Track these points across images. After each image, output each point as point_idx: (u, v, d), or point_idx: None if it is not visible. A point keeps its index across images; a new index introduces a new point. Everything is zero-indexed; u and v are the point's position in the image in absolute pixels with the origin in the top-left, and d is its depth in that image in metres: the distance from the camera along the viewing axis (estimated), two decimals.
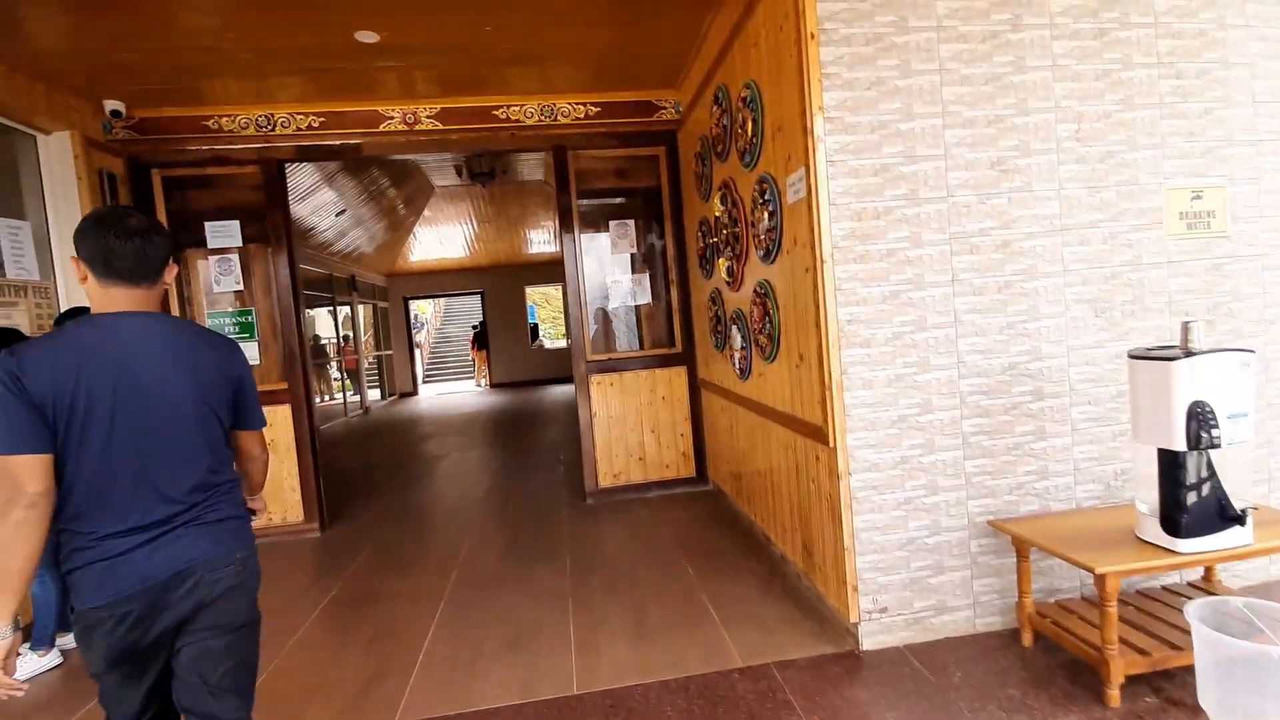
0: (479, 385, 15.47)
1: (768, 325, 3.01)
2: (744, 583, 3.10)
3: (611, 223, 4.80)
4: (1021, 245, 2.50)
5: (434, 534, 4.27)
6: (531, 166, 10.81)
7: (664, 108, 4.53)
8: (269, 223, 4.33)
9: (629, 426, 4.72)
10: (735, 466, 3.97)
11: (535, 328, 17.17)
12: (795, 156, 2.51)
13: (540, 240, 13.90)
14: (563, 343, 17.18)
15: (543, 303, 23.66)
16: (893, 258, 2.41)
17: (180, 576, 1.38)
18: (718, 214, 3.61)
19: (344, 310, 12.01)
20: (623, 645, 2.60)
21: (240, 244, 4.37)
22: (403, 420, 10.49)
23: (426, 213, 12.11)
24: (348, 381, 12.26)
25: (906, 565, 2.46)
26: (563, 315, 17.78)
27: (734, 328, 3.57)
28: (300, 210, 8.69)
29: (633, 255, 4.83)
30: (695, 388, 4.75)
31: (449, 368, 19.16)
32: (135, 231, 1.37)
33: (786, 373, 2.86)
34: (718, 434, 4.37)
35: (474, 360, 16.15)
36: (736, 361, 3.57)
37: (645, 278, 4.82)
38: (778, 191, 2.75)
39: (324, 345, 12.44)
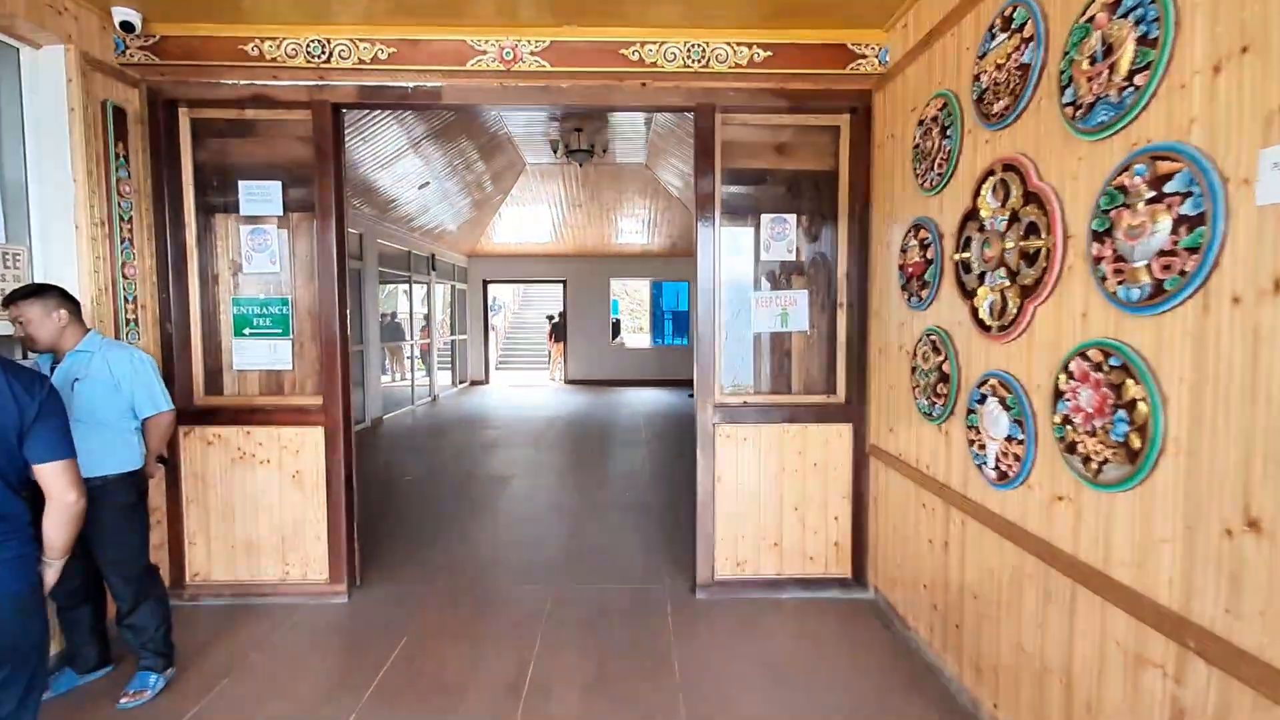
0: (552, 379, 14.53)
1: (1120, 424, 1.63)
2: None
3: (764, 216, 3.49)
4: None
5: (493, 623, 3.13)
6: (634, 147, 9.62)
7: (864, 56, 3.15)
8: (319, 187, 3.27)
9: (764, 500, 3.41)
10: (939, 594, 2.61)
11: (617, 324, 16.08)
12: None
13: (631, 230, 12.74)
14: (644, 341, 15.98)
15: (623, 294, 22.57)
16: None
17: None
18: (985, 215, 2.23)
19: (420, 290, 11.25)
20: None
21: (281, 212, 3.36)
22: (472, 417, 9.57)
23: (515, 191, 11.18)
24: (419, 362, 11.57)
25: None
26: (645, 308, 16.56)
27: (990, 400, 2.19)
28: (383, 180, 7.84)
29: (789, 264, 3.51)
30: (861, 454, 3.39)
31: (523, 356, 18.42)
32: None
33: (1172, 525, 1.48)
34: (899, 532, 3.00)
35: (550, 352, 15.23)
36: (992, 459, 2.19)
37: (802, 296, 3.49)
38: (1217, 181, 1.37)
39: (399, 324, 11.77)
